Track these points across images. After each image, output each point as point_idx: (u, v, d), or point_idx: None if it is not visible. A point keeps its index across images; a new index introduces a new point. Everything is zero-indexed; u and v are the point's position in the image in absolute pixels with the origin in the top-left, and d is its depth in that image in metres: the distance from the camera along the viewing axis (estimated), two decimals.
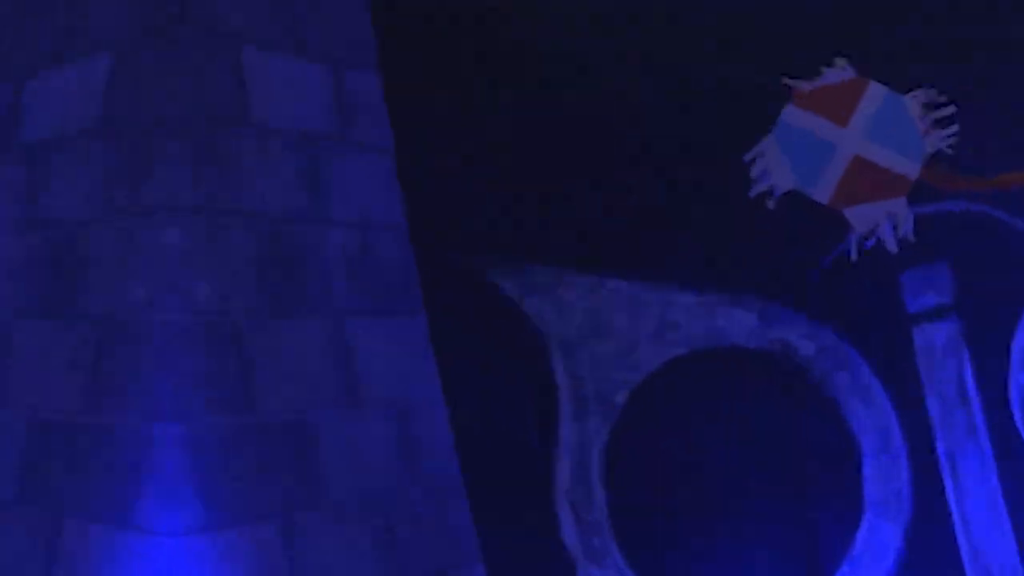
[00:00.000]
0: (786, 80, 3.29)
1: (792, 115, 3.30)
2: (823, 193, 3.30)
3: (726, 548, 3.24)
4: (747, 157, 3.30)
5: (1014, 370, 3.32)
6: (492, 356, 3.16)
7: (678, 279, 3.26)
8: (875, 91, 3.30)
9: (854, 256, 3.30)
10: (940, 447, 3.31)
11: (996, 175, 3.32)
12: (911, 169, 3.30)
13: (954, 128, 3.25)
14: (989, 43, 3.25)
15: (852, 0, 3.25)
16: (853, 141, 3.30)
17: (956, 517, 3.31)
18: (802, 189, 3.28)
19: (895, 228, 3.30)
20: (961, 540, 3.30)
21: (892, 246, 3.30)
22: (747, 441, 3.26)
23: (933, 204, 3.32)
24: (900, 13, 3.24)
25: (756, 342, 3.29)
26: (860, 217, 3.29)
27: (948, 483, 3.31)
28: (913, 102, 3.28)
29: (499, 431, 3.14)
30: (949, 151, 3.28)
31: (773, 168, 3.31)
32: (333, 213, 2.88)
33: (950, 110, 3.25)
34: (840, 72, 3.30)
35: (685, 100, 3.22)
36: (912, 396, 3.30)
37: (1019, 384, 3.32)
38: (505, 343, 3.18)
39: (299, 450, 2.64)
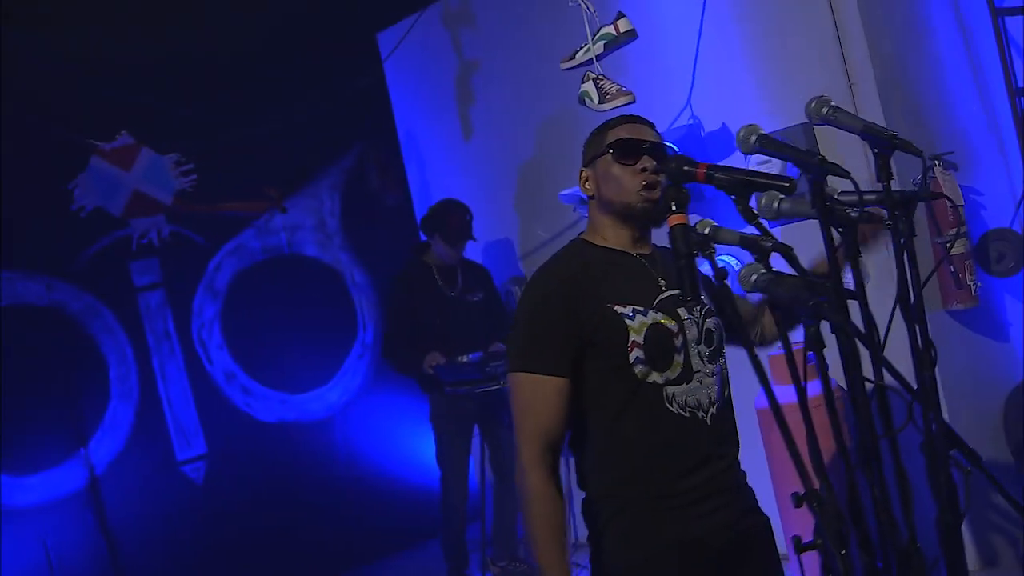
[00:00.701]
0: (90, 140, 5.70)
1: (97, 162, 5.70)
2: (117, 209, 5.75)
3: None
4: (71, 185, 5.62)
5: (194, 318, 6.07)
6: None
7: None
8: (146, 152, 5.86)
9: (134, 247, 5.79)
10: (155, 361, 5.91)
11: (216, 206, 6.05)
12: (166, 198, 5.91)
13: (192, 176, 5.93)
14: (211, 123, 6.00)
15: (136, 86, 5.69)
16: (134, 180, 5.81)
17: (163, 398, 5.92)
18: (105, 207, 5.69)
19: (158, 232, 5.87)
20: (166, 410, 5.92)
21: (156, 242, 5.85)
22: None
23: (176, 222, 5.97)
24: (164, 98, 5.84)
25: (44, 302, 5.59)
26: (139, 225, 5.81)
27: (159, 381, 5.91)
28: (168, 160, 5.89)
29: None
30: (190, 190, 5.94)
31: (87, 192, 5.68)
32: None
33: (190, 166, 5.91)
34: (125, 139, 5.79)
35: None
36: (137, 332, 5.85)
37: (196, 327, 6.08)
38: None
39: None
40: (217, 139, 5.82)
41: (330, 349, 6.43)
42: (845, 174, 1.70)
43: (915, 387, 1.79)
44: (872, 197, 1.86)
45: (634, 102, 3.77)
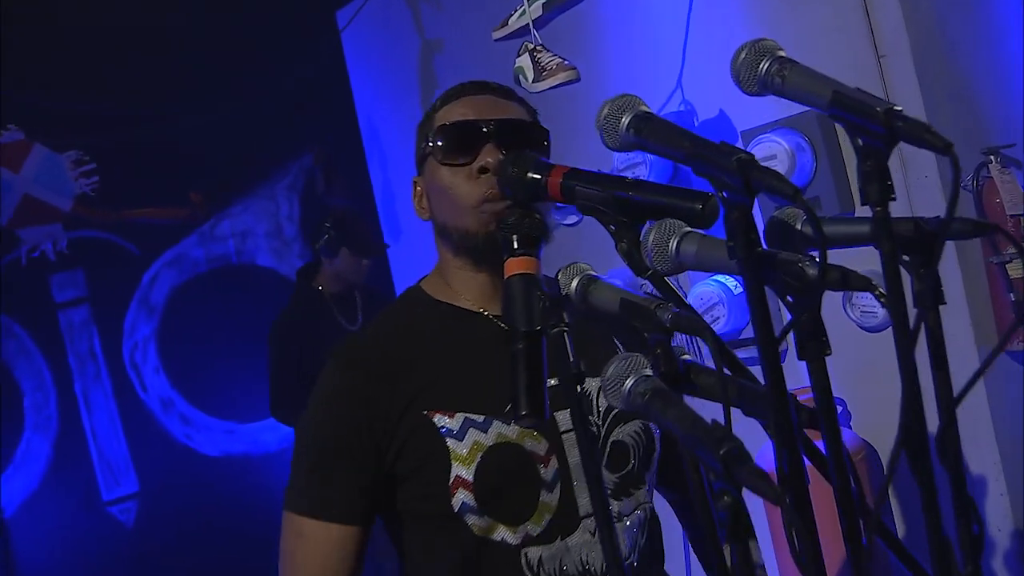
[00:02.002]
0: None
1: None
2: (3, 218, 4.99)
3: None
4: None
5: (125, 337, 5.31)
6: None
7: None
8: (39, 150, 5.10)
9: (24, 262, 5.05)
10: (77, 386, 5.16)
11: (124, 212, 5.29)
12: (64, 204, 5.15)
13: (95, 178, 5.15)
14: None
15: (26, 71, 4.92)
16: (24, 183, 5.05)
17: (87, 429, 5.19)
18: None
19: (53, 244, 5.10)
20: (90, 443, 5.18)
21: (51, 255, 5.10)
22: None
23: (79, 230, 5.20)
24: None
25: None
26: (30, 236, 5.05)
27: (83, 410, 5.17)
28: (65, 159, 5.13)
29: None
30: (93, 194, 5.18)
31: None
32: None
33: (92, 166, 5.14)
34: (14, 134, 5.03)
35: None
36: (58, 353, 5.11)
37: (128, 348, 5.33)
38: None
39: None
40: (128, 134, 5.00)
41: None
42: (788, 190, 0.84)
43: None
44: (854, 230, 0.99)
45: (578, 80, 2.91)
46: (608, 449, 1.49)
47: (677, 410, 0.91)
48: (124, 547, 5.19)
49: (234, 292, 5.53)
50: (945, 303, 0.96)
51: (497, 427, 1.45)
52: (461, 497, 1.45)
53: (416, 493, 1.50)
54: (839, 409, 3.11)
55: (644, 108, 1.01)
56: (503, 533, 1.46)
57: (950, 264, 2.96)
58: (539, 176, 1.11)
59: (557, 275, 1.13)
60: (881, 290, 0.87)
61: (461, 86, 1.60)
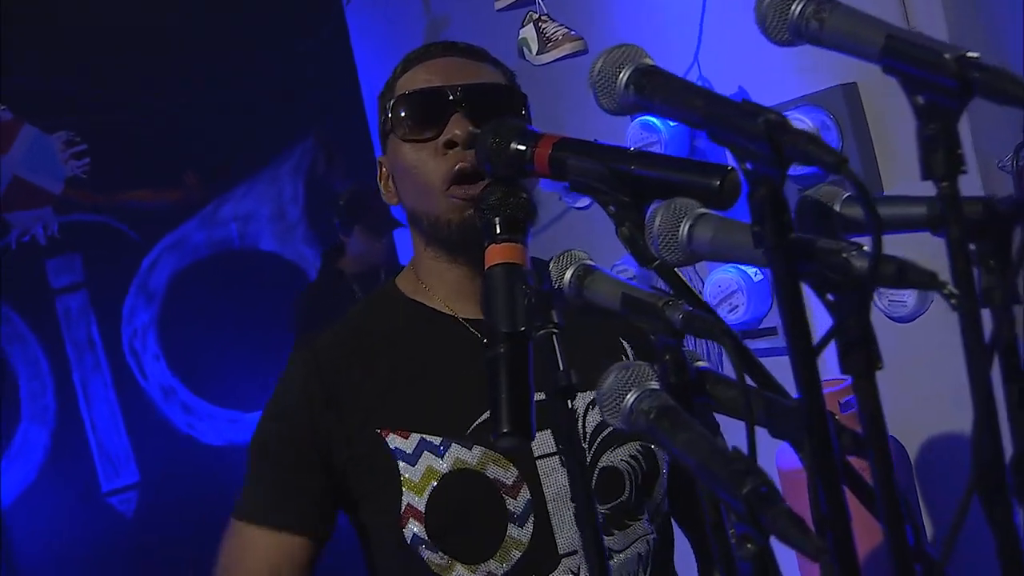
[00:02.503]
0: None
1: None
2: None
3: None
4: None
5: (124, 324, 5.15)
6: None
7: None
8: (28, 130, 4.93)
9: (14, 247, 4.89)
10: (75, 374, 5.01)
11: (117, 195, 5.13)
12: (54, 187, 4.99)
13: (86, 160, 4.99)
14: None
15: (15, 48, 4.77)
16: (12, 164, 4.89)
17: (86, 419, 5.03)
18: None
19: (44, 228, 4.95)
20: (89, 433, 5.03)
21: (42, 240, 4.94)
22: None
23: (71, 213, 5.04)
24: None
25: None
26: (19, 220, 4.89)
27: (81, 399, 5.02)
28: (56, 140, 4.96)
29: None
30: (84, 176, 5.01)
31: None
32: None
33: (83, 147, 4.97)
34: (2, 113, 4.87)
35: None
36: (55, 340, 4.96)
37: (127, 335, 5.17)
38: None
39: None
40: (120, 114, 4.82)
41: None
42: (832, 159, 0.65)
43: None
44: (909, 212, 0.80)
45: (586, 51, 2.72)
46: (596, 476, 1.30)
47: (689, 434, 0.73)
48: (124, 538, 5.05)
49: (237, 277, 5.34)
50: (1021, 302, 0.78)
51: (455, 451, 1.28)
52: (412, 529, 1.30)
53: (371, 518, 1.36)
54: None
55: (647, 60, 0.82)
56: (461, 571, 1.29)
57: None
58: (524, 147, 0.93)
59: (549, 264, 0.95)
60: (952, 288, 0.69)
61: (425, 48, 1.42)
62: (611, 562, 1.30)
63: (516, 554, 1.27)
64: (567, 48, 2.56)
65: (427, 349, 1.37)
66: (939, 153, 0.68)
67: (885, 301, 2.78)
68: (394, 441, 1.31)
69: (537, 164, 0.92)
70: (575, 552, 1.29)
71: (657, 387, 0.80)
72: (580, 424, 1.33)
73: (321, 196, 5.47)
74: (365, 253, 4.33)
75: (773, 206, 0.68)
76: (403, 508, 1.30)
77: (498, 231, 0.95)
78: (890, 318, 2.77)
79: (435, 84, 1.33)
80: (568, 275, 0.94)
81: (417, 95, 1.33)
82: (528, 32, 2.72)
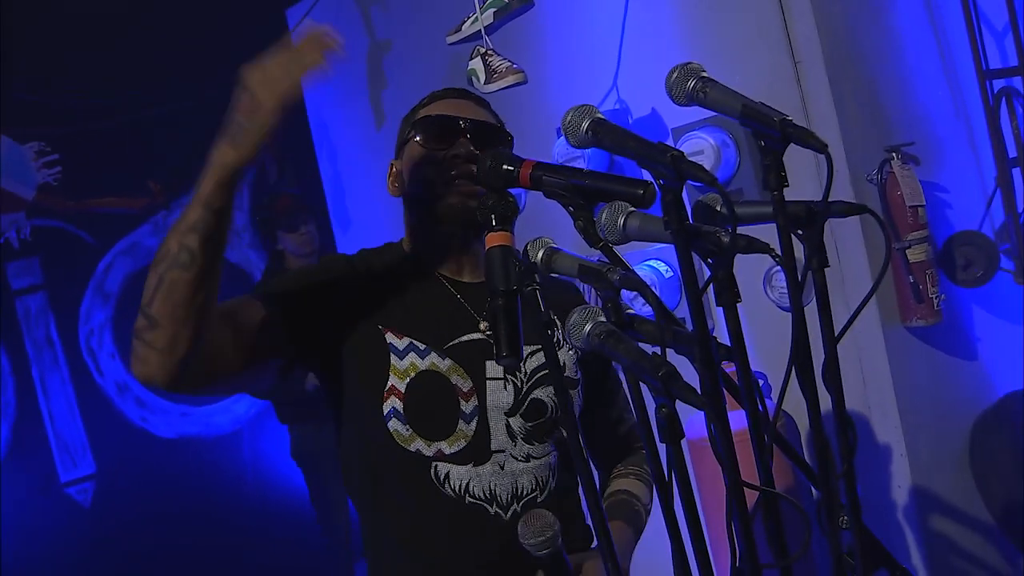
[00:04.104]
0: None
1: None
2: None
3: None
4: None
5: (81, 324, 5.45)
6: None
7: None
8: (3, 141, 5.20)
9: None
10: (35, 371, 5.29)
11: (86, 202, 5.43)
12: (27, 193, 5.27)
13: (58, 168, 5.29)
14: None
15: None
16: None
17: (45, 412, 5.30)
18: None
19: (17, 232, 5.23)
20: (48, 426, 5.30)
21: (15, 244, 5.22)
22: None
23: (41, 218, 5.33)
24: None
25: None
26: None
27: (40, 395, 5.29)
28: (29, 149, 5.25)
29: None
30: (55, 183, 5.30)
31: None
32: None
33: (54, 156, 5.25)
34: None
35: None
36: (15, 339, 5.23)
37: (84, 334, 5.46)
38: None
39: None
40: (88, 125, 5.14)
41: None
42: (708, 179, 1.13)
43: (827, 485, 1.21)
44: (760, 211, 1.29)
45: (525, 82, 3.19)
46: (527, 403, 1.77)
47: (626, 345, 1.19)
48: (82, 527, 5.32)
49: None
50: (828, 266, 1.26)
51: (433, 357, 1.73)
52: (392, 403, 1.72)
53: (356, 391, 1.75)
54: (760, 383, 3.41)
55: (599, 115, 1.29)
56: (419, 444, 1.71)
57: (858, 250, 3.26)
58: (512, 168, 1.39)
59: (525, 247, 1.41)
60: (777, 253, 1.17)
61: (445, 90, 1.89)
62: (528, 463, 1.76)
63: (462, 443, 1.73)
64: (510, 79, 3.02)
65: (420, 287, 1.83)
66: (772, 175, 1.16)
67: (776, 293, 3.28)
68: (391, 338, 1.75)
69: (521, 180, 1.38)
70: (503, 451, 1.75)
71: (604, 320, 1.26)
72: (523, 364, 1.79)
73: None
74: (300, 245, 4.68)
75: (675, 206, 1.15)
76: (387, 387, 1.72)
77: (494, 224, 1.40)
78: (780, 308, 3.27)
79: (451, 114, 1.81)
80: (540, 254, 1.41)
81: (438, 119, 1.82)
82: (476, 64, 3.17)
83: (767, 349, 3.31)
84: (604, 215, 1.28)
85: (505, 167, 1.39)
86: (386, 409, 1.72)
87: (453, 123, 1.78)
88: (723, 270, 1.17)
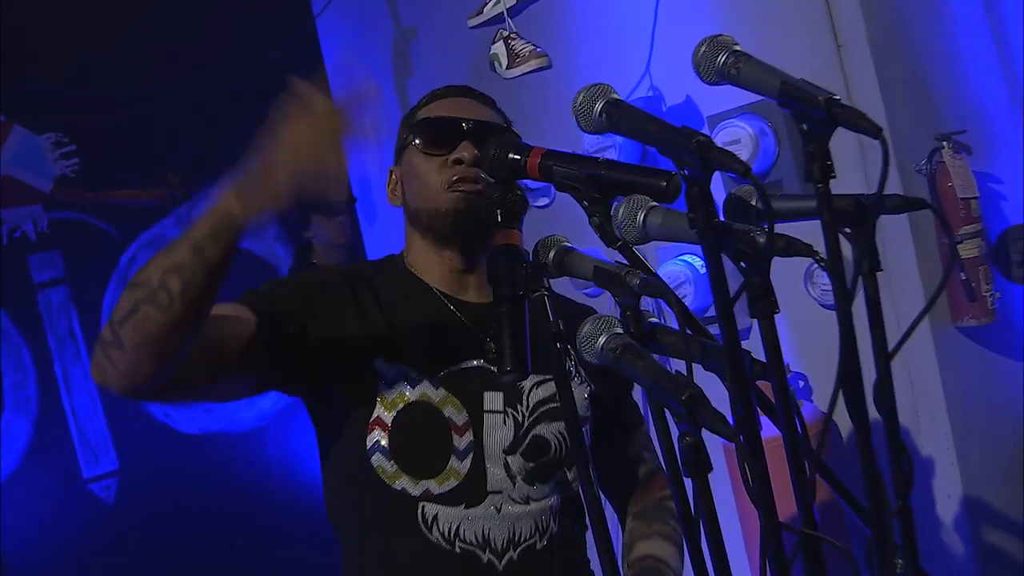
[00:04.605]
0: None
1: None
2: None
3: None
4: None
5: (104, 317, 5.36)
6: None
7: None
8: (19, 132, 5.13)
9: (5, 241, 5.09)
10: (57, 366, 5.22)
11: (103, 194, 5.34)
12: (44, 185, 5.19)
13: (75, 160, 5.21)
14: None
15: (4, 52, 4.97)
16: (5, 163, 5.09)
17: (67, 408, 5.23)
18: None
19: (34, 224, 5.16)
20: (71, 422, 5.23)
21: (32, 236, 5.15)
22: None
23: (59, 211, 5.24)
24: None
25: None
26: (11, 216, 5.10)
27: (63, 389, 5.22)
28: (45, 140, 5.17)
29: None
30: (72, 175, 5.22)
31: None
32: None
33: (71, 148, 5.18)
34: None
35: None
36: (37, 334, 5.16)
37: None
38: None
39: None
40: (106, 116, 5.03)
41: None
42: (741, 168, 0.96)
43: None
44: (801, 206, 1.12)
45: (549, 66, 3.03)
46: (528, 440, 1.61)
47: (645, 362, 1.03)
48: (104, 523, 5.24)
49: None
50: (881, 270, 1.09)
51: (424, 387, 1.58)
52: (376, 436, 1.59)
53: (340, 421, 1.62)
54: (801, 384, 3.24)
55: (615, 95, 1.13)
56: (404, 483, 1.58)
57: (905, 245, 3.08)
58: (519, 157, 1.23)
59: (536, 247, 1.25)
60: (821, 255, 1.00)
61: (446, 88, 1.74)
62: (527, 507, 1.61)
63: (453, 482, 1.57)
64: (533, 64, 2.87)
65: (417, 308, 1.69)
66: (816, 164, 0.99)
67: (818, 291, 3.11)
68: (380, 365, 1.61)
69: (529, 170, 1.21)
70: (500, 491, 1.60)
71: (621, 331, 1.10)
72: (525, 397, 1.64)
73: None
74: (333, 234, 4.55)
75: (702, 200, 0.98)
76: (373, 418, 1.59)
77: (500, 220, 1.24)
78: (822, 306, 3.09)
79: (453, 115, 1.67)
80: (552, 254, 1.24)
81: (439, 121, 1.67)
82: (499, 48, 3.01)
83: (808, 350, 3.15)
84: (621, 210, 1.12)
85: (511, 156, 1.23)
86: (370, 442, 1.59)
87: (455, 125, 1.64)
88: (758, 275, 1.00)
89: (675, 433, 1.06)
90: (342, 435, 1.64)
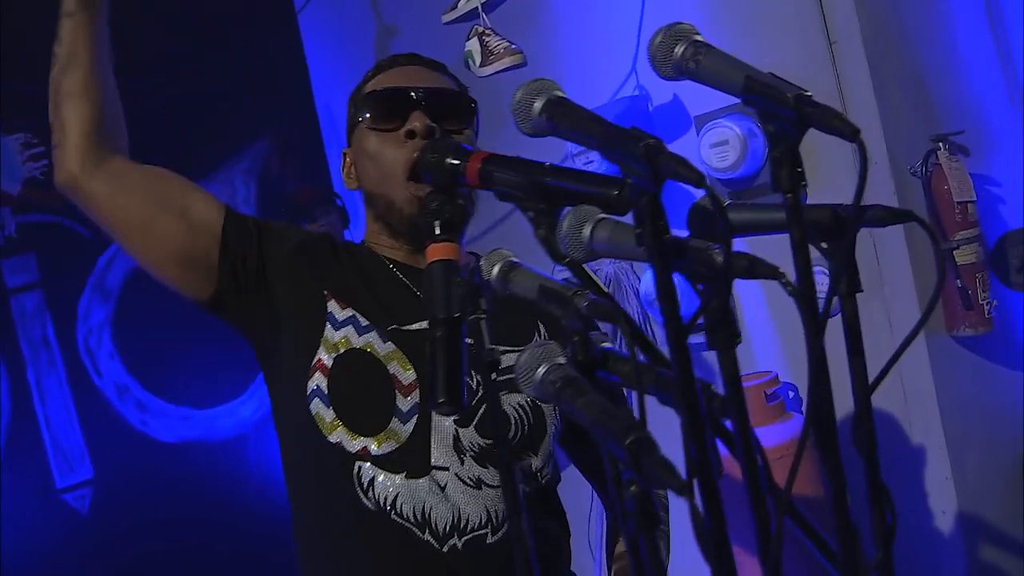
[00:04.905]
0: None
1: None
2: None
3: None
4: None
5: (79, 323, 5.23)
6: None
7: None
8: None
9: None
10: (30, 373, 5.08)
11: None
12: (12, 187, 5.05)
13: (44, 161, 5.06)
14: None
15: None
16: None
17: (40, 416, 5.10)
18: None
19: (2, 228, 5.01)
20: (44, 430, 5.10)
21: (0, 241, 5.01)
22: None
23: (29, 214, 5.10)
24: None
25: None
26: None
27: (35, 397, 5.09)
28: (14, 141, 5.03)
29: None
30: (42, 177, 5.08)
31: None
32: None
33: (40, 149, 5.04)
34: None
35: None
36: (9, 340, 5.03)
37: (82, 334, 5.25)
38: None
39: None
40: None
41: (243, 357, 5.46)
42: (694, 177, 0.82)
43: None
44: (770, 217, 0.98)
45: (524, 64, 2.90)
46: (482, 411, 1.49)
47: (587, 399, 0.90)
48: (79, 534, 5.09)
49: None
50: (861, 290, 0.96)
51: (372, 337, 1.50)
52: (316, 380, 1.51)
53: (286, 361, 1.56)
54: (791, 394, 3.11)
55: (558, 93, 0.99)
56: (341, 435, 1.49)
57: (899, 251, 2.96)
58: (458, 162, 1.10)
59: (480, 262, 1.12)
60: (788, 279, 0.86)
61: (392, 57, 1.66)
62: (479, 491, 1.49)
63: (392, 444, 1.46)
64: (507, 61, 2.74)
65: (376, 273, 1.62)
66: (784, 170, 0.85)
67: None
68: (332, 306, 1.55)
69: (469, 176, 1.08)
70: (446, 468, 1.48)
71: (564, 362, 0.96)
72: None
73: (274, 197, 5.59)
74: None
75: (652, 213, 0.85)
76: (315, 360, 1.51)
77: (437, 232, 1.11)
78: None
79: (402, 85, 1.56)
80: (495, 269, 1.11)
81: (386, 92, 1.58)
82: (473, 45, 2.89)
83: (799, 358, 3.01)
84: (566, 222, 0.98)
85: (450, 160, 1.10)
86: (310, 388, 1.53)
87: (404, 95, 1.55)
88: (716, 300, 0.86)
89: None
90: (286, 381, 1.60)
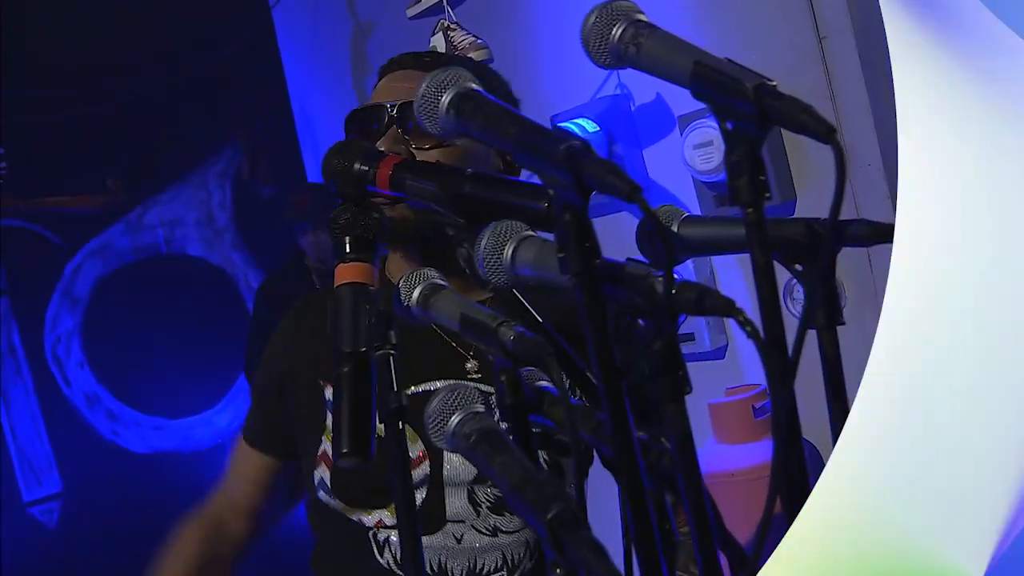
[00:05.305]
0: None
1: None
2: None
3: None
4: None
5: (47, 331, 5.06)
6: None
7: None
8: None
9: None
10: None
11: (36, 200, 5.04)
12: None
13: (3, 164, 4.89)
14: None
15: None
16: None
17: (6, 427, 4.93)
18: None
19: None
20: (9, 442, 4.93)
21: None
22: None
23: None
24: None
25: None
26: None
27: (1, 406, 4.92)
28: None
29: None
30: (1, 181, 4.91)
31: None
32: None
33: (0, 151, 4.87)
34: None
35: None
36: (3, 353, 4.86)
37: (50, 342, 5.08)
38: None
39: None
40: (39, 118, 4.71)
41: (219, 365, 5.34)
42: (626, 187, 0.65)
43: None
44: (730, 234, 0.81)
45: (491, 60, 2.73)
46: None
47: (505, 458, 0.73)
48: (46, 549, 4.94)
49: (163, 283, 5.24)
50: (843, 323, 0.79)
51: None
52: (320, 473, 1.46)
53: (302, 455, 1.56)
54: None
55: (471, 84, 0.82)
56: (359, 515, 1.46)
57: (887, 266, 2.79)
58: (367, 168, 0.93)
59: (398, 284, 0.95)
60: (745, 316, 0.69)
61: (390, 61, 1.55)
62: (495, 538, 1.42)
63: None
64: (472, 57, 2.57)
65: None
66: (742, 179, 0.69)
67: (798, 307, 2.82)
68: (329, 393, 1.46)
69: (379, 183, 0.92)
70: (461, 521, 1.42)
71: (481, 410, 0.80)
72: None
73: (250, 201, 5.42)
74: (314, 249, 4.41)
75: (578, 232, 0.68)
76: (319, 452, 1.46)
77: (347, 250, 0.95)
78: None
79: (379, 101, 1.44)
80: (415, 293, 0.94)
81: (361, 112, 1.46)
82: (438, 40, 2.73)
83: None
84: (485, 240, 0.81)
85: (358, 166, 0.93)
86: (316, 479, 1.48)
87: (378, 113, 1.42)
88: (659, 341, 0.69)
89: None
90: (305, 473, 1.59)
